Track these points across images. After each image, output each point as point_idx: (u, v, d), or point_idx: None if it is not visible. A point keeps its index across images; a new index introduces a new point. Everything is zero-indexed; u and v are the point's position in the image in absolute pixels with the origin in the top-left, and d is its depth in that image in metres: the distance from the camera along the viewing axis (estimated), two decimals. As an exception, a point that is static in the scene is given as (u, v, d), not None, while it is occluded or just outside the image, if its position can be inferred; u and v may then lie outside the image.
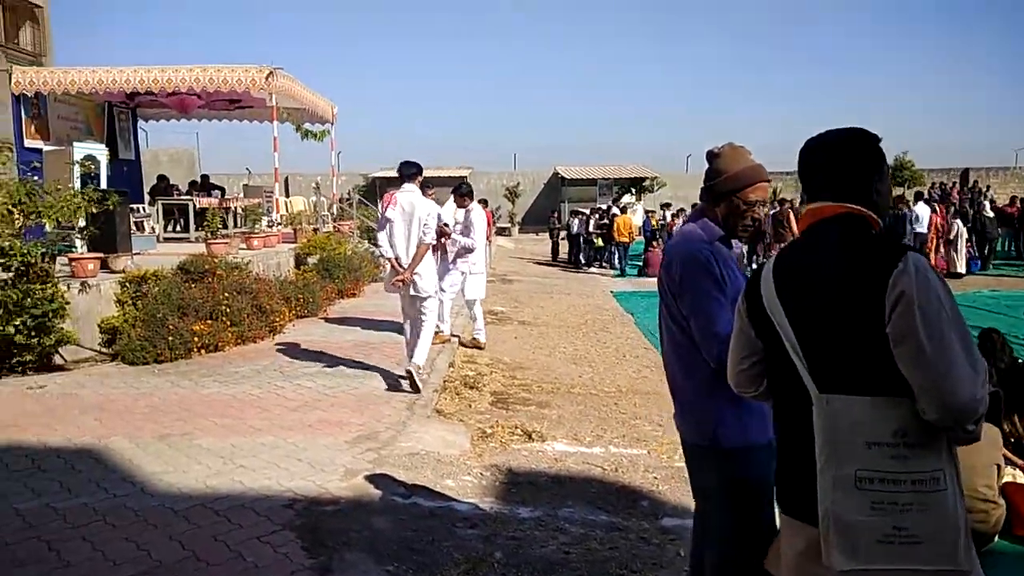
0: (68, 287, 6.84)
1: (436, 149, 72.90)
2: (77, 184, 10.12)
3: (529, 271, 18.29)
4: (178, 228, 14.54)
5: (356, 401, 5.47)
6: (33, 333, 5.98)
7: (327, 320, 9.03)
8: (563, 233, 21.52)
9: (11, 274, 5.93)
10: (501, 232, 29.42)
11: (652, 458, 4.76)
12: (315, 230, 14.25)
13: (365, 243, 14.90)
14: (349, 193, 27.83)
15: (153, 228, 13.87)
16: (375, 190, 30.47)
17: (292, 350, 7.21)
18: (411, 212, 6.02)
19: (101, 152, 10.73)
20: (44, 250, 6.50)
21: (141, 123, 17.62)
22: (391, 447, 4.49)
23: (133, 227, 13.19)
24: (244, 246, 11.23)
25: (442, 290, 7.68)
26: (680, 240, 2.46)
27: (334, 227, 16.05)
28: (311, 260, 12.08)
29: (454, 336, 8.12)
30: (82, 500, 3.64)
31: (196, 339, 6.86)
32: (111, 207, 7.21)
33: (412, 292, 6.05)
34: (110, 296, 7.36)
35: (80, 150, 10.45)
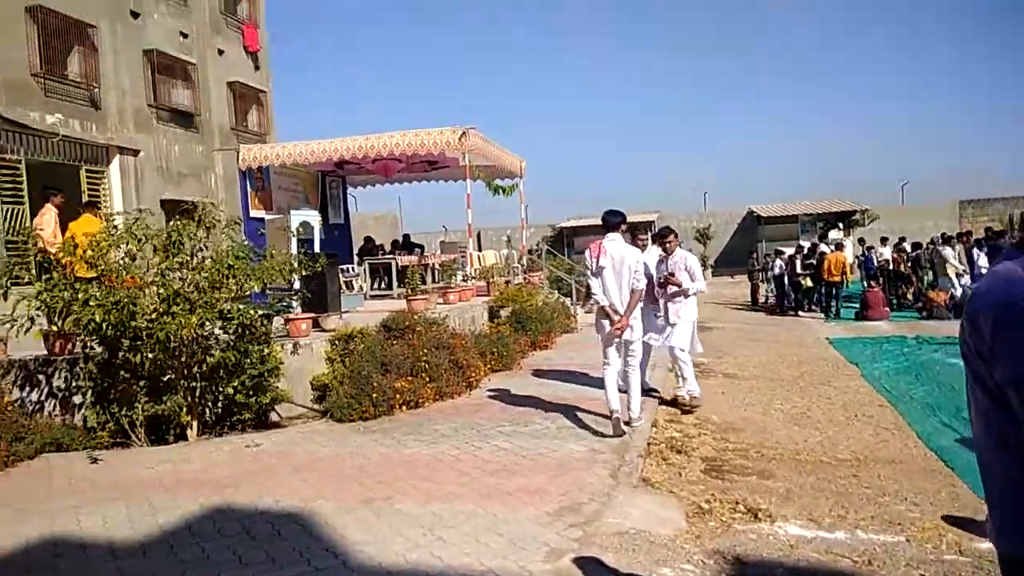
0: (283, 347, 7.21)
1: (621, 195, 72.72)
2: (294, 248, 10.93)
3: (728, 317, 17.20)
4: (383, 285, 15.35)
5: (556, 465, 5.11)
6: (251, 392, 6.30)
7: (521, 374, 8.85)
8: (764, 275, 20.16)
9: (231, 336, 6.30)
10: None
11: (914, 548, 3.91)
12: (507, 283, 14.37)
13: (556, 294, 14.78)
14: (538, 244, 28.23)
15: (361, 286, 14.72)
16: (563, 240, 30.72)
17: (488, 407, 7.06)
18: (621, 260, 6.14)
19: (315, 218, 11.55)
20: (263, 312, 6.90)
21: (350, 190, 19.06)
22: (597, 523, 4.05)
23: (343, 286, 14.08)
24: (441, 301, 11.49)
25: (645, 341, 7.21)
26: (994, 283, 1.83)
27: (524, 279, 16.15)
28: (503, 313, 12.11)
29: (654, 392, 7.56)
30: (286, 572, 3.56)
31: (398, 396, 6.91)
32: (320, 269, 7.55)
33: (626, 337, 6.19)
34: (321, 354, 7.68)
35: (296, 217, 11.30)
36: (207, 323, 5.71)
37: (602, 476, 4.83)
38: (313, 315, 8.01)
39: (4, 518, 4.49)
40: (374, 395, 6.73)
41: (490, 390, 7.89)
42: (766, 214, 28.90)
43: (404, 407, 7.00)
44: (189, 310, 5.70)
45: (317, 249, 11.43)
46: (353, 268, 15.08)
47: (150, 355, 5.75)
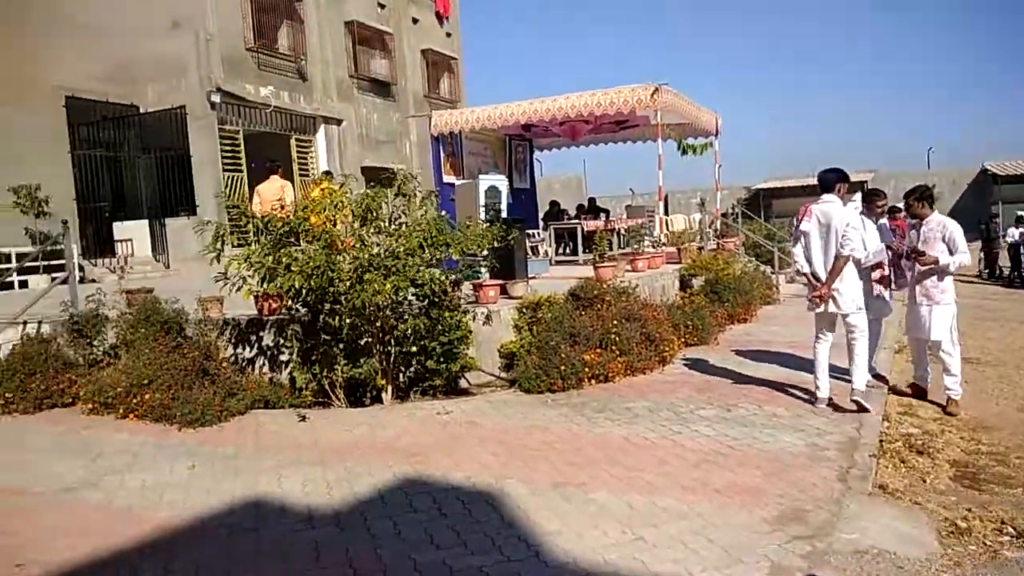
0: (472, 314, 7.10)
1: (830, 154, 66.77)
2: (481, 213, 10.88)
3: (960, 291, 15.05)
4: (567, 251, 15.08)
5: (768, 461, 4.51)
6: (442, 359, 6.24)
7: (719, 350, 8.16)
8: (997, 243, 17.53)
9: (423, 303, 6.25)
10: (909, 243, 25.35)
11: None
12: (699, 249, 13.52)
13: (754, 262, 13.70)
14: (732, 207, 26.65)
15: (546, 252, 14.55)
16: (759, 203, 28.77)
17: (685, 386, 6.51)
18: (827, 223, 5.61)
19: (502, 183, 11.44)
20: (453, 278, 6.81)
21: (538, 154, 18.93)
22: (828, 537, 3.44)
23: (529, 252, 13.98)
24: (629, 268, 10.97)
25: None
26: None
27: (718, 245, 15.16)
28: (696, 282, 11.36)
29: (881, 378, 6.60)
30: (477, 560, 3.33)
31: (587, 369, 6.57)
32: (512, 240, 7.33)
33: (831, 309, 5.66)
34: (508, 322, 7.51)
35: (484, 182, 11.24)
36: (400, 290, 5.66)
37: (827, 478, 4.17)
38: (501, 282, 7.85)
39: (219, 472, 4.72)
40: (562, 367, 6.43)
41: (685, 366, 7.32)
42: (1004, 172, 25.09)
43: (593, 380, 6.64)
44: (384, 276, 5.68)
45: (504, 214, 11.35)
46: (538, 233, 14.93)
47: (347, 320, 5.83)
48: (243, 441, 5.37)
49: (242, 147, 17.56)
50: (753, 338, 8.90)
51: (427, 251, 5.93)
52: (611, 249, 12.48)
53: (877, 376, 6.58)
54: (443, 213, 6.38)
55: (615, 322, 7.07)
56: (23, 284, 12.56)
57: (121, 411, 6.08)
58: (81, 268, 14.89)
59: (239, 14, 17.53)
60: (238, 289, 5.93)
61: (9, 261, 13.63)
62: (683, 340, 8.30)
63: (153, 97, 17.19)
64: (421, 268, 5.81)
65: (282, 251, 5.83)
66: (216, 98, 16.74)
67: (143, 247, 16.76)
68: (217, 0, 16.96)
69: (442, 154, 14.26)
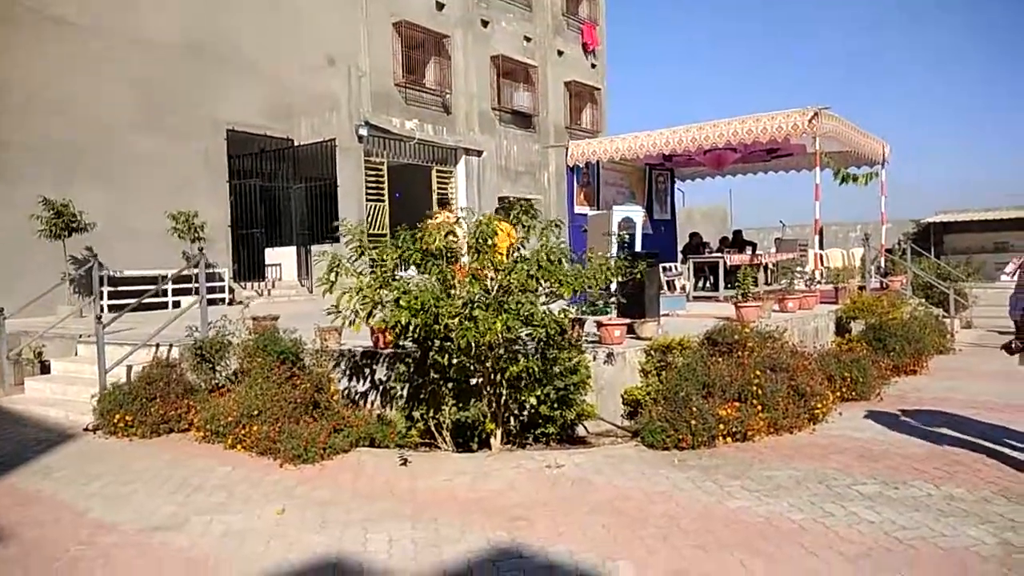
0: (594, 355, 6.52)
1: (997, 185, 60.26)
2: (614, 248, 10.30)
3: None
4: (707, 286, 14.12)
5: (948, 562, 3.58)
6: (556, 405, 5.69)
7: (883, 408, 7.04)
8: None
9: (537, 343, 5.75)
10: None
11: None
12: (861, 288, 12.15)
13: (925, 304, 12.11)
14: (898, 243, 24.29)
15: (684, 287, 13.68)
16: (929, 237, 26.06)
17: (841, 452, 5.56)
18: None
19: (638, 214, 10.81)
20: (573, 317, 6.27)
21: (679, 183, 18.08)
22: None
23: (664, 286, 13.19)
24: (777, 308, 9.95)
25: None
26: None
27: (882, 284, 13.61)
28: (855, 326, 10.12)
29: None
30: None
31: (721, 425, 5.78)
32: (639, 275, 6.69)
33: None
34: (635, 365, 6.85)
35: (618, 213, 10.67)
36: (511, 329, 5.19)
37: (1034, 598, 3.21)
38: (628, 321, 7.21)
39: (307, 520, 4.42)
40: (693, 421, 5.68)
41: (841, 428, 6.32)
42: None
43: (728, 439, 5.83)
44: (495, 313, 5.24)
45: (639, 247, 10.70)
46: (676, 267, 14.08)
47: (455, 360, 5.44)
48: (340, 484, 5.07)
49: (386, 177, 18.06)
50: (924, 395, 7.66)
51: (541, 285, 5.44)
52: (756, 286, 11.43)
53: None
54: (562, 244, 5.84)
55: (757, 372, 6.23)
56: (175, 304, 13.36)
57: (230, 441, 6.01)
58: (231, 290, 15.74)
59: (390, 52, 18.15)
60: (351, 323, 5.70)
61: (164, 282, 14.61)
62: (839, 394, 7.26)
63: (307, 130, 18.05)
64: (535, 304, 5.32)
65: (395, 283, 5.55)
66: (364, 131, 17.34)
67: (290, 271, 17.52)
68: (370, 38, 17.65)
69: (576, 184, 13.83)
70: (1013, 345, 5.07)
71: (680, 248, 16.21)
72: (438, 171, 19.64)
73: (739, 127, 11.60)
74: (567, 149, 13.70)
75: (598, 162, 13.91)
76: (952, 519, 4.13)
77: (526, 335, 5.61)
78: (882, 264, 14.92)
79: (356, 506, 4.59)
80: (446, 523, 4.26)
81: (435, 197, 19.19)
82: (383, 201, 17.92)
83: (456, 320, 5.18)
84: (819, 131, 11.11)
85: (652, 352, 6.85)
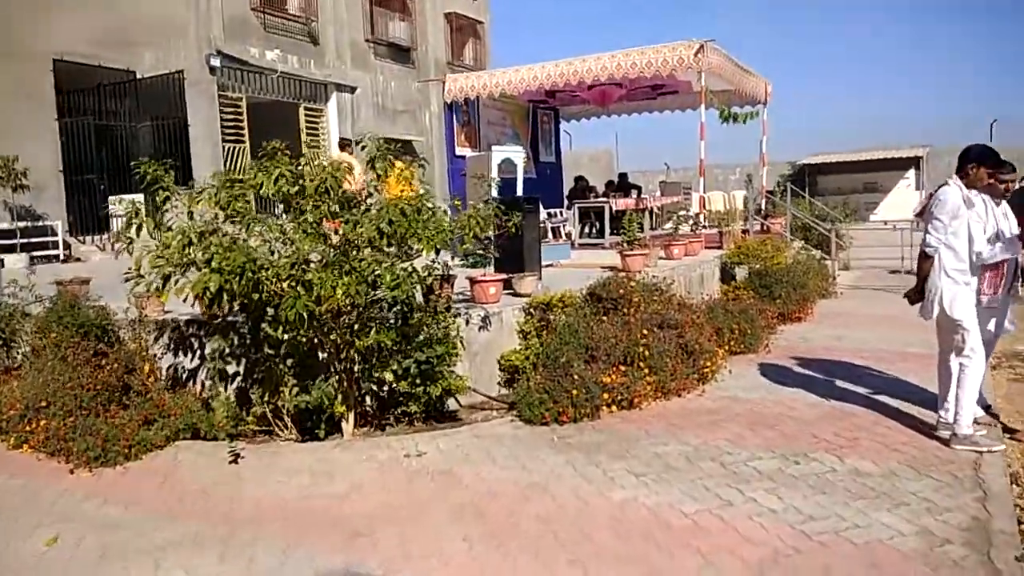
0: (468, 318, 5.70)
1: (877, 128, 63.31)
2: (494, 192, 9.44)
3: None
4: (594, 232, 13.59)
5: (867, 563, 3.05)
6: (417, 380, 4.85)
7: (772, 361, 6.66)
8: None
9: (392, 312, 4.86)
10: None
11: None
12: (744, 232, 11.92)
13: (807, 247, 12.05)
14: (777, 184, 24.80)
15: (569, 233, 13.07)
16: (804, 180, 26.74)
17: (733, 418, 5.05)
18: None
19: (519, 155, 9.97)
20: (438, 273, 5.40)
21: (564, 124, 17.37)
22: None
23: (549, 234, 12.52)
24: (664, 255, 9.48)
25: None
26: None
27: (763, 226, 13.52)
28: (740, 272, 9.82)
29: (989, 410, 5.05)
30: None
31: (606, 394, 5.13)
32: (514, 225, 5.87)
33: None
34: (513, 326, 6.10)
35: (498, 154, 9.79)
36: (357, 294, 4.26)
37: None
38: (504, 276, 6.42)
39: (85, 551, 3.41)
40: (574, 391, 5.00)
41: (731, 386, 5.85)
42: (1081, 148, 22.75)
43: (614, 407, 5.21)
44: (338, 275, 4.29)
45: (520, 191, 9.90)
46: (561, 213, 13.43)
47: (286, 335, 4.47)
48: (141, 494, 4.07)
49: (245, 116, 16.30)
50: (813, 344, 7.37)
51: (394, 240, 4.52)
52: (642, 232, 10.95)
53: (987, 407, 5.04)
54: (423, 191, 4.93)
55: (644, 331, 5.61)
56: (-2, 263, 11.50)
57: (13, 440, 4.84)
58: (67, 246, 13.82)
59: (243, -30, 16.15)
60: (158, 291, 4.57)
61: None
62: (728, 348, 6.82)
63: (151, 61, 15.93)
64: (384, 264, 4.40)
65: (211, 239, 4.45)
66: (216, 62, 15.46)
67: (139, 223, 15.62)
68: (219, -46, 15.61)
69: (455, 123, 12.83)
70: (913, 295, 4.65)
71: (566, 193, 15.57)
72: (306, 109, 17.99)
73: (623, 60, 10.91)
74: (444, 84, 12.61)
75: (478, 99, 12.92)
76: (862, 502, 3.64)
77: (389, 299, 4.69)
78: (763, 206, 14.86)
79: (153, 528, 3.62)
80: (267, 547, 3.37)
81: (304, 138, 17.60)
82: (243, 142, 16.20)
83: (287, 284, 4.20)
84: (704, 66, 10.57)
85: (531, 311, 6.12)
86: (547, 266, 9.05)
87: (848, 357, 6.69)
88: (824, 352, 6.95)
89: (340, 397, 4.82)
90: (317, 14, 17.85)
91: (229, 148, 15.82)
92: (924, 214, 4.71)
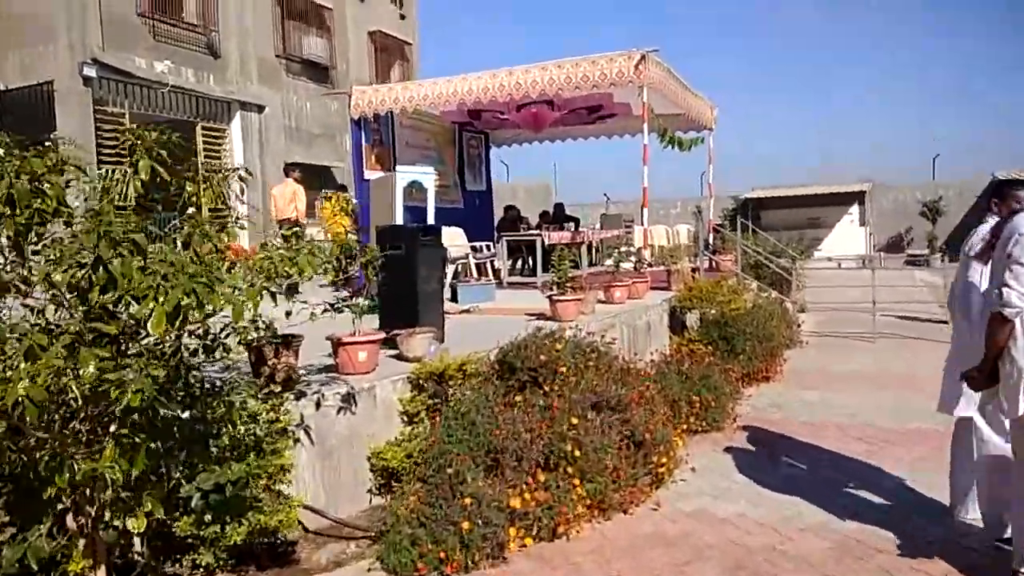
0: (319, 399, 3.90)
1: (820, 163, 63.97)
2: (399, 216, 7.74)
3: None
4: (526, 269, 11.97)
5: None
6: (208, 518, 3.01)
7: (742, 444, 5.06)
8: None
9: (183, 397, 3.03)
10: (912, 261, 22.68)
11: None
12: (694, 270, 10.45)
13: (766, 289, 10.65)
14: (723, 217, 23.80)
15: (498, 271, 11.40)
16: (747, 214, 25.85)
17: (705, 554, 3.38)
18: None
19: (428, 178, 8.28)
20: (271, 336, 3.62)
21: (500, 153, 15.85)
22: None
23: (472, 272, 10.84)
24: (603, 298, 7.89)
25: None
26: None
27: (711, 263, 12.14)
28: (691, 318, 8.30)
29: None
30: None
31: (512, 530, 3.40)
32: (396, 253, 4.12)
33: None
34: (392, 405, 4.34)
35: (404, 176, 8.08)
36: (61, 383, 2.44)
37: None
38: (382, 335, 4.63)
39: None
40: (465, 524, 3.24)
41: (694, 491, 4.20)
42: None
43: (528, 539, 3.48)
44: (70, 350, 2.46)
45: (431, 220, 8.21)
46: (488, 247, 11.75)
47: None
48: None
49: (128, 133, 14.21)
50: (790, 414, 5.82)
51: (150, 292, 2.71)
52: (577, 269, 9.33)
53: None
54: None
55: (574, 418, 3.92)
56: None
57: None
58: None
59: (129, -30, 14.20)
60: None
61: None
62: (687, 425, 5.20)
63: (15, 69, 13.78)
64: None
65: None
66: (92, 71, 13.37)
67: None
68: (100, -49, 13.64)
69: (364, 143, 11.06)
70: (979, 378, 3.08)
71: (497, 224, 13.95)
72: (205, 129, 15.98)
73: (556, 73, 9.39)
74: (349, 97, 10.88)
75: (391, 116, 11.23)
76: None
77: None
78: (711, 241, 13.52)
79: None
80: None
81: (201, 160, 15.54)
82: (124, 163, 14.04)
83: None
84: (646, 80, 9.14)
85: (421, 383, 4.37)
86: (463, 311, 7.36)
87: (840, 437, 5.14)
88: (807, 429, 5.39)
89: (85, 544, 2.94)
90: (218, 24, 15.96)
91: (108, 170, 13.66)
92: (985, 255, 3.19)
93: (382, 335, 4.48)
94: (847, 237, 24.66)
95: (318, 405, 3.90)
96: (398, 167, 8.27)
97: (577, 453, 3.73)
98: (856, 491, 4.14)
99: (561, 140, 15.01)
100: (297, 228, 10.30)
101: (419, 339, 4.73)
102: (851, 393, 6.51)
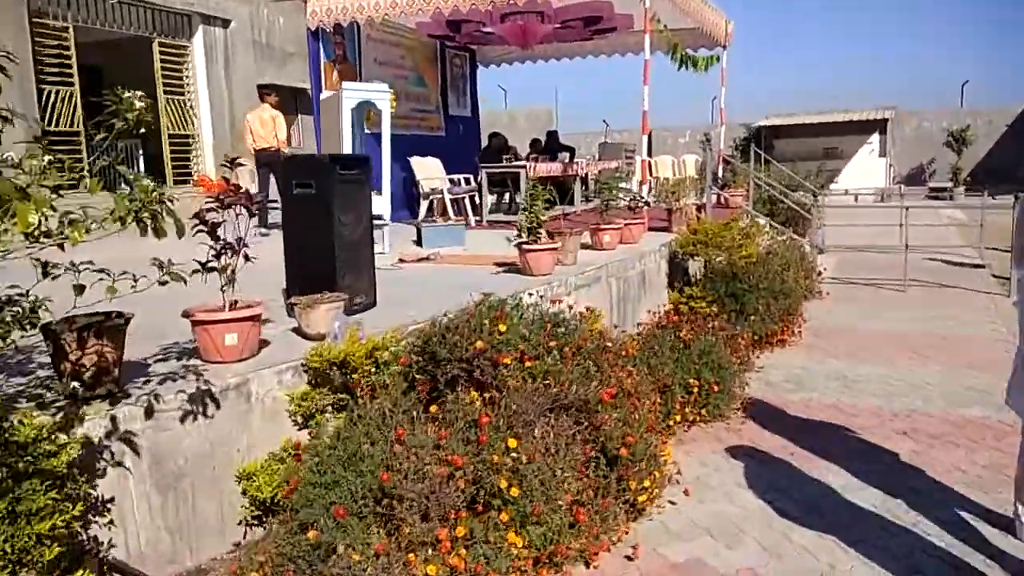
0: (147, 403, 2.74)
1: (839, 87, 60.88)
2: (347, 145, 6.45)
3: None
4: (511, 205, 10.66)
5: None
6: None
7: (752, 447, 3.91)
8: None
9: None
10: (936, 194, 21.20)
11: None
12: (699, 208, 9.15)
13: (779, 229, 9.36)
14: (734, 148, 22.28)
15: (476, 207, 10.10)
16: (760, 144, 24.24)
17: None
18: None
19: (382, 98, 6.90)
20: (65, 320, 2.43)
21: (495, 76, 14.32)
22: None
23: (449, 209, 9.57)
24: (590, 241, 6.68)
25: None
26: None
27: (719, 198, 10.84)
28: (695, 265, 7.10)
29: None
30: None
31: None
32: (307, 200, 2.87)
33: None
34: (280, 404, 3.17)
35: (352, 95, 6.73)
36: None
37: None
38: (258, 309, 3.39)
39: None
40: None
41: (688, 525, 3.06)
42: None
43: (441, 622, 2.36)
44: None
45: (386, 150, 6.91)
46: (464, 180, 10.41)
47: None
48: None
49: (73, 51, 12.70)
50: (811, 396, 4.65)
51: None
52: (551, 207, 8.00)
53: None
54: None
55: (511, 440, 2.73)
56: None
57: None
58: None
59: None
60: None
61: None
62: (681, 415, 4.04)
63: (-61, -25, 12.19)
64: None
65: None
66: (24, -23, 11.79)
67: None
68: None
69: (324, 59, 9.63)
70: None
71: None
72: (163, 46, 14.39)
73: (541, -28, 7.89)
74: (305, 4, 9.38)
75: (356, 26, 9.76)
76: None
77: None
78: (720, 174, 12.14)
79: None
80: None
81: (160, 83, 14.09)
82: (72, 85, 12.62)
83: None
84: (650, -20, 7.66)
85: (322, 372, 3.19)
86: (421, 259, 6.16)
87: (878, 430, 4.00)
88: (835, 416, 4.25)
89: None
90: (175, -76, 14.20)
91: (50, 91, 12.27)
92: None
93: (258, 309, 3.27)
94: (865, 169, 23.08)
95: (149, 412, 2.73)
96: (344, 84, 6.91)
97: (515, 491, 2.57)
98: (909, 523, 3.01)
99: (556, 59, 13.44)
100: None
101: (323, 311, 3.52)
102: (885, 363, 5.33)
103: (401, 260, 6.22)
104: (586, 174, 11.98)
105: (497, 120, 27.72)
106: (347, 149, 6.57)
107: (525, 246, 5.30)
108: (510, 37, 10.95)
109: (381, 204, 6.83)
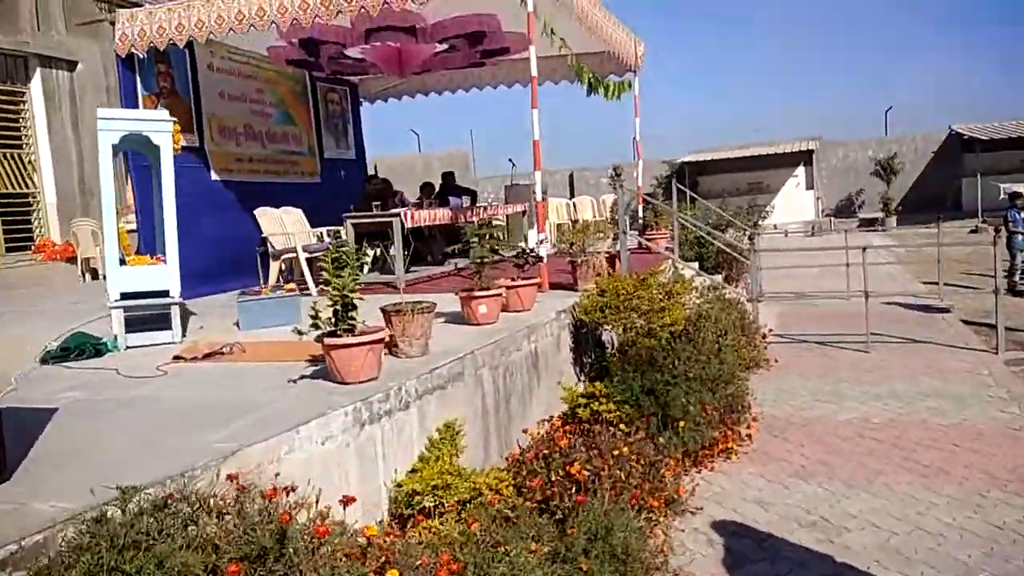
0: None
1: (761, 121, 61.49)
2: (106, 192, 4.53)
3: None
4: (390, 262, 8.77)
5: None
6: None
7: None
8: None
9: None
10: (868, 225, 20.39)
11: None
12: (611, 258, 7.41)
13: (709, 280, 7.72)
14: (656, 186, 21.07)
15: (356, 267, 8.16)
16: (683, 181, 23.12)
17: None
18: None
19: (161, 128, 4.95)
20: None
21: (404, 116, 12.67)
22: None
23: (306, 272, 7.64)
24: (464, 312, 4.87)
25: None
26: None
27: (639, 244, 9.22)
28: (607, 337, 5.37)
29: None
30: None
31: None
32: None
33: None
34: None
35: (112, 126, 4.80)
36: None
37: None
38: None
39: None
40: None
41: None
42: (983, 136, 20.12)
43: None
44: None
45: (169, 201, 4.98)
46: (336, 235, 8.47)
47: None
48: None
49: None
50: (782, 571, 2.85)
51: None
52: (466, 257, 6.13)
53: None
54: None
55: None
56: None
57: None
58: None
59: None
60: None
61: None
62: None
63: None
64: None
65: None
66: None
67: None
68: None
69: (142, 91, 7.68)
70: None
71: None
72: (-10, 91, 12.20)
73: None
74: (113, 26, 7.45)
75: (189, 53, 7.92)
76: None
77: None
78: (640, 214, 10.55)
79: None
80: None
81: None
82: None
83: None
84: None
85: None
86: (212, 354, 4.21)
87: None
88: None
89: None
90: (-1, -49, 12.14)
91: None
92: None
93: None
94: (794, 202, 22.18)
95: None
96: (101, 112, 4.97)
97: None
98: None
99: (451, 92, 11.77)
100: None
101: None
102: (875, 486, 3.62)
103: (177, 357, 4.26)
104: (489, 220, 10.24)
105: (413, 165, 26.04)
106: (106, 198, 4.61)
107: (329, 340, 3.42)
108: (383, 64, 9.23)
109: (164, 276, 4.88)
